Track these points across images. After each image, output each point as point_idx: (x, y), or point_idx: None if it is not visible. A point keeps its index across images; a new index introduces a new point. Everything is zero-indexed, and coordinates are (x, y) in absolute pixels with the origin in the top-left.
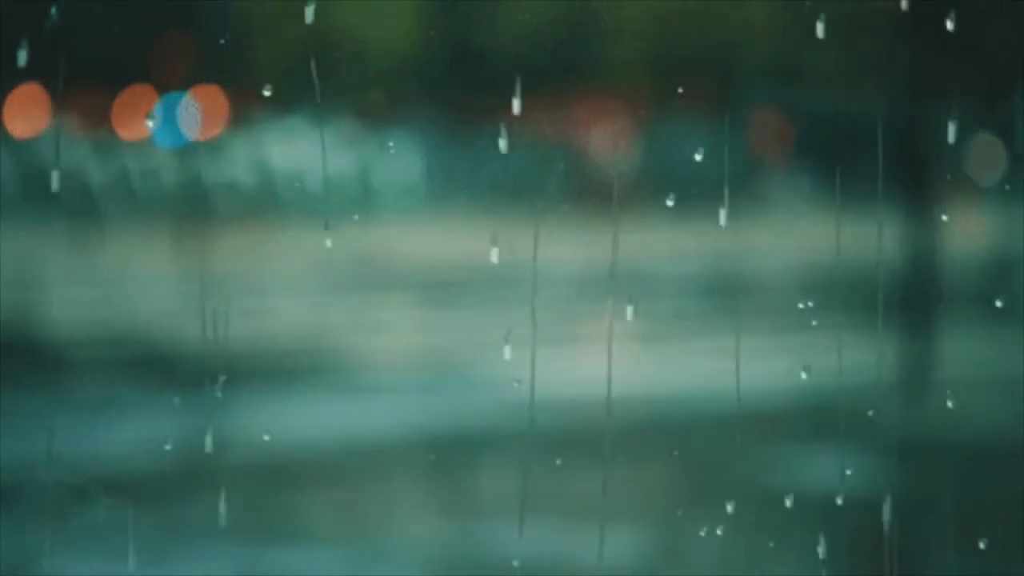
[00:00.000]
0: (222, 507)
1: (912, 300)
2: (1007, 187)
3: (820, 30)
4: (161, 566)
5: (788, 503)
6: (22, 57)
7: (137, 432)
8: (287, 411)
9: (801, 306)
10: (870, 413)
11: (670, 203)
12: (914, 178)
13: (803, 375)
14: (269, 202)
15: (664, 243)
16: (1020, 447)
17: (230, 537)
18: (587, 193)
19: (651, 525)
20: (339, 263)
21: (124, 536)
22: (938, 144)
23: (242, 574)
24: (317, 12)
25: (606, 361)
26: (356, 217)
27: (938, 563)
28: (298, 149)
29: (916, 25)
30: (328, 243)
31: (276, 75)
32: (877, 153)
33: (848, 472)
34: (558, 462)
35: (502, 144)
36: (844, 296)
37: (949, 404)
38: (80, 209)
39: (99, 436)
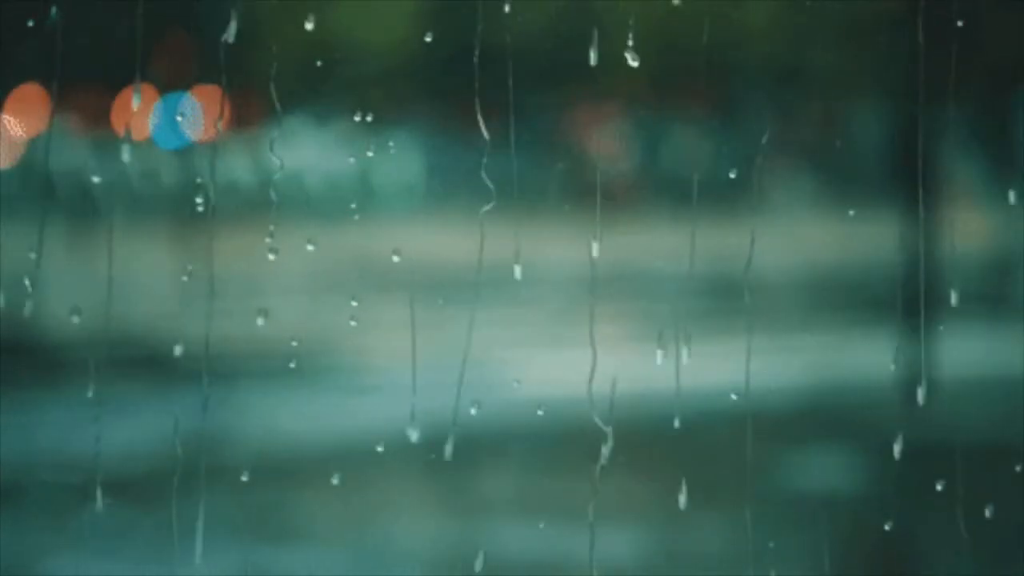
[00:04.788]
0: (221, 507)
1: (912, 300)
2: (1007, 187)
3: (822, 31)
4: (161, 566)
5: (787, 503)
6: (22, 57)
7: (137, 432)
8: (287, 411)
9: (801, 307)
10: (869, 412)
11: (669, 203)
12: (914, 178)
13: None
14: (269, 202)
15: (663, 243)
16: (1019, 447)
17: (230, 537)
18: (587, 193)
19: (650, 524)
20: (339, 263)
21: (124, 536)
22: (938, 144)
23: (242, 574)
24: (317, 12)
25: (605, 361)
26: (356, 217)
27: (938, 563)
28: (298, 149)
29: (916, 25)
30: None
31: (276, 75)
32: (877, 153)
33: (847, 472)
34: (557, 462)
35: (501, 143)
36: (844, 296)
37: (948, 404)
38: (80, 209)
39: (99, 436)
